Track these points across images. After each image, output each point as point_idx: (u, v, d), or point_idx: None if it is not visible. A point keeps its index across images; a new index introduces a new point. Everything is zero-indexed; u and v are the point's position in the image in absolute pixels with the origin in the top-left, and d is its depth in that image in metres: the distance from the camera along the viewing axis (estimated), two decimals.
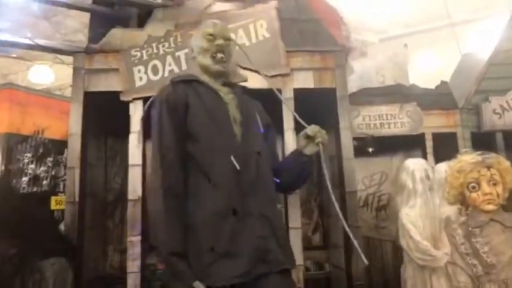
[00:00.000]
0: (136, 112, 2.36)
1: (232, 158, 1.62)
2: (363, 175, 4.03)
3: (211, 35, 1.81)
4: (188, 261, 1.56)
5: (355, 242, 1.69)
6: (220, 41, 1.81)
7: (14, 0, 2.40)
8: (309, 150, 1.78)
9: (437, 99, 3.85)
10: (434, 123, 3.75)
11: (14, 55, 2.43)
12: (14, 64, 7.08)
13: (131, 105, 2.39)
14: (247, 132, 1.74)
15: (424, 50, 5.75)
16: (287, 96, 2.50)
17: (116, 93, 2.40)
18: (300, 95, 2.53)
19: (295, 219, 2.35)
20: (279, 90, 2.46)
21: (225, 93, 1.80)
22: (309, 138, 1.77)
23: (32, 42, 2.33)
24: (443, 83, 4.01)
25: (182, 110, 1.68)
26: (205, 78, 1.82)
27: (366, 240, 3.63)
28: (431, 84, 4.01)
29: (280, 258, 1.63)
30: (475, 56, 4.28)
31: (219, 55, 1.80)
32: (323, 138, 1.76)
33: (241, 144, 1.69)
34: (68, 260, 1.50)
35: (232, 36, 1.96)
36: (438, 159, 3.31)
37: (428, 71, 5.33)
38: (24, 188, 3.74)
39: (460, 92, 3.90)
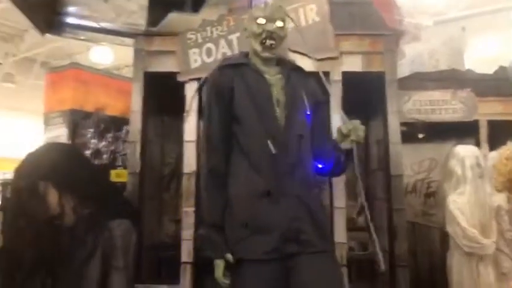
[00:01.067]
0: (191, 92, 2.51)
1: (269, 142, 1.67)
2: (412, 161, 3.98)
3: (261, 18, 1.77)
4: (225, 234, 1.70)
5: (376, 244, 1.70)
6: (270, 26, 1.76)
7: None
8: (344, 145, 1.76)
9: (494, 85, 3.70)
10: (490, 110, 3.62)
11: (82, 37, 2.64)
12: (76, 45, 7.48)
13: (186, 86, 2.53)
14: (291, 115, 1.76)
15: (483, 34, 5.48)
16: (335, 79, 2.54)
17: (173, 74, 2.55)
18: (349, 78, 2.55)
19: (339, 199, 2.41)
20: (327, 74, 2.51)
21: (271, 74, 1.81)
22: (344, 135, 1.75)
23: (97, 25, 2.53)
24: (501, 68, 3.84)
25: (228, 94, 1.75)
26: (254, 60, 1.84)
27: (412, 226, 3.62)
28: (489, 70, 3.86)
29: (313, 240, 1.68)
30: None
31: (269, 42, 1.76)
32: (357, 138, 1.72)
33: (283, 127, 1.73)
34: (132, 222, 1.66)
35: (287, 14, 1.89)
36: (493, 148, 3.21)
37: (486, 55, 5.09)
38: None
39: None
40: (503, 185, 2.00)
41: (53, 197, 1.60)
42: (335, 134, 1.83)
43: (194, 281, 2.31)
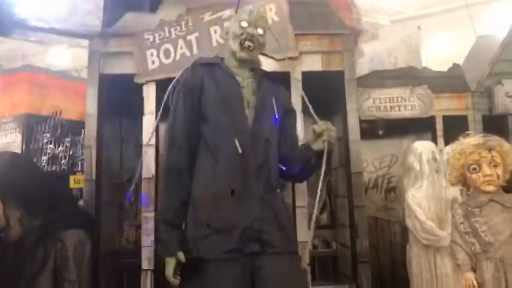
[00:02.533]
0: (149, 94, 2.45)
1: (236, 141, 1.67)
2: (373, 157, 4.06)
3: (244, 21, 1.80)
4: (181, 232, 1.67)
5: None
6: (252, 30, 1.79)
7: None
8: (316, 146, 1.77)
9: (449, 82, 3.83)
10: (445, 106, 3.74)
11: (33, 38, 2.52)
12: (32, 46, 7.21)
13: (144, 88, 2.47)
14: (259, 118, 1.76)
15: (438, 32, 5.67)
16: (296, 78, 2.55)
17: (130, 76, 2.49)
18: (309, 77, 2.57)
19: (301, 198, 2.43)
20: (288, 73, 2.52)
21: (243, 77, 1.82)
22: (317, 134, 1.76)
23: (49, 26, 2.42)
24: (455, 65, 3.98)
25: (197, 92, 1.74)
26: (230, 61, 1.84)
27: (374, 221, 3.69)
28: (445, 67, 3.98)
29: (276, 241, 1.68)
30: (490, 38, 4.21)
31: (247, 43, 1.78)
32: (330, 137, 1.75)
33: (251, 129, 1.73)
34: (87, 232, 1.60)
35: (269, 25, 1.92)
36: (448, 142, 3.31)
37: (441, 53, 5.27)
38: (44, 166, 3.89)
39: (473, 74, 3.87)
40: (457, 179, 2.06)
41: None
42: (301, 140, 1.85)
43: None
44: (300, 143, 1.93)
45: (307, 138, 1.84)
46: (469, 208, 2.02)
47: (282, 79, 2.32)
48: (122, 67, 2.50)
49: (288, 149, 1.86)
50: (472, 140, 1.98)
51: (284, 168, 1.87)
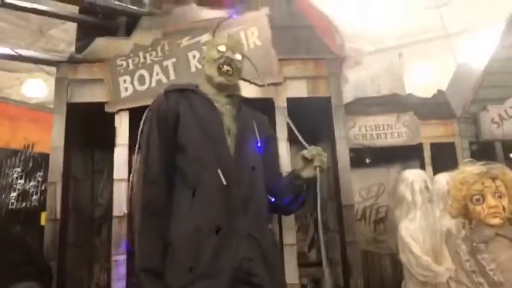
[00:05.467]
0: (122, 124, 2.26)
1: (220, 172, 1.51)
2: (360, 187, 3.94)
3: (222, 45, 1.72)
4: (163, 280, 1.45)
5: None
6: (230, 54, 1.71)
7: None
8: (306, 173, 1.64)
9: (434, 108, 3.80)
10: (431, 133, 3.69)
11: None
12: (7, 78, 7.02)
13: (116, 117, 2.29)
14: (242, 146, 1.63)
15: (420, 60, 5.72)
16: (280, 105, 2.41)
17: (101, 104, 2.30)
18: (294, 104, 2.44)
19: (290, 235, 2.24)
20: (271, 100, 2.38)
21: (222, 104, 1.70)
22: (307, 160, 1.63)
23: (13, 52, 2.24)
24: (440, 92, 3.95)
25: (173, 121, 1.60)
26: (206, 88, 1.73)
27: (364, 254, 3.52)
28: (427, 95, 3.95)
29: (265, 283, 1.51)
30: (471, 65, 4.25)
31: (225, 67, 1.69)
32: (321, 163, 1.62)
33: (234, 157, 1.59)
34: (42, 284, 1.38)
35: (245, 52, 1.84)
36: (437, 170, 3.24)
37: (423, 80, 5.28)
38: (13, 203, 3.65)
39: (457, 101, 3.84)
40: (458, 212, 1.90)
41: None
42: (286, 168, 1.70)
43: None
44: (285, 172, 1.81)
45: (296, 165, 1.68)
46: (474, 244, 1.85)
47: (265, 106, 2.18)
48: (92, 95, 2.32)
49: (274, 178, 1.73)
50: (473, 168, 1.82)
51: (273, 199, 1.71)
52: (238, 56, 1.75)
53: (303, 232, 2.67)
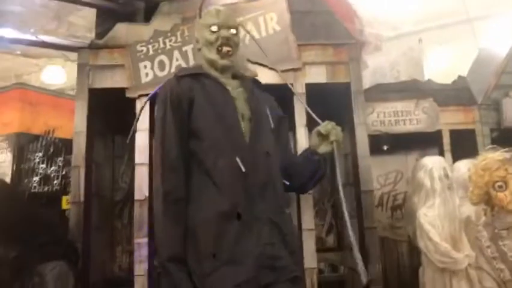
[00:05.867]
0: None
1: (238, 160, 1.50)
2: (378, 173, 3.91)
3: (214, 25, 1.66)
4: (188, 268, 1.47)
5: (358, 258, 1.54)
6: (225, 32, 1.65)
7: None
8: (323, 149, 1.64)
9: (455, 94, 3.72)
10: (451, 119, 3.63)
11: (18, 52, 2.38)
12: (26, 64, 7.12)
13: (137, 102, 2.31)
14: (256, 130, 1.61)
15: (440, 45, 5.59)
16: (299, 92, 2.40)
17: (122, 90, 2.33)
18: (313, 90, 2.43)
19: (308, 221, 2.25)
20: (291, 85, 2.37)
21: (233, 87, 1.66)
22: (323, 136, 1.63)
23: (35, 38, 2.27)
24: (460, 78, 3.87)
25: (187, 107, 1.57)
26: (212, 71, 1.68)
27: (380, 241, 3.52)
28: (447, 80, 3.88)
29: (289, 265, 1.52)
30: (493, 50, 4.14)
31: (225, 48, 1.65)
32: (337, 137, 1.63)
33: (249, 143, 1.57)
34: (70, 263, 1.42)
35: (239, 21, 1.79)
36: (456, 157, 3.19)
37: (444, 66, 5.18)
38: (35, 187, 3.74)
39: (478, 87, 3.76)
40: (479, 198, 1.89)
41: None
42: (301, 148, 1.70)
43: None
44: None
45: (311, 142, 1.69)
46: (496, 230, 1.84)
47: (284, 92, 2.18)
48: (113, 81, 2.34)
49: (288, 159, 1.72)
50: (496, 154, 1.81)
51: (288, 182, 1.70)
52: (233, 31, 1.68)
53: (321, 218, 2.69)
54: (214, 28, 1.65)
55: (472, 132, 3.60)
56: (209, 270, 1.44)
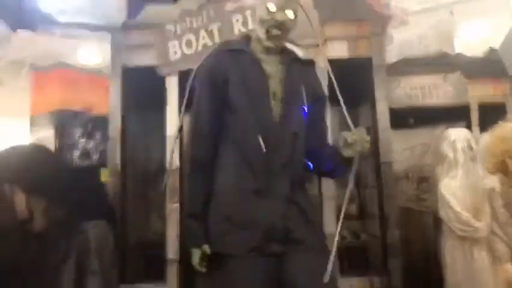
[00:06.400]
0: (172, 85, 2.43)
1: (260, 139, 1.56)
2: (404, 147, 3.92)
3: (272, 4, 1.58)
4: (205, 225, 1.62)
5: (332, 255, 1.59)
6: (280, 16, 1.59)
7: None
8: (346, 152, 1.56)
9: (485, 67, 3.65)
10: (480, 93, 3.58)
11: (57, 33, 2.56)
12: (64, 45, 7.39)
13: (167, 79, 2.46)
14: (286, 110, 1.63)
15: (471, 18, 5.41)
16: (321, 67, 2.47)
17: (153, 68, 2.48)
18: (335, 65, 2.48)
19: (329, 189, 2.36)
20: (311, 60, 2.43)
21: (271, 64, 1.67)
22: (348, 144, 1.56)
23: (71, 20, 2.44)
24: (492, 50, 3.79)
25: (222, 83, 1.62)
26: (255, 46, 1.69)
27: (405, 212, 3.57)
28: (478, 54, 3.80)
29: (305, 238, 1.60)
30: None
31: (275, 31, 1.60)
32: (363, 149, 1.54)
33: (278, 123, 1.61)
34: (109, 224, 1.60)
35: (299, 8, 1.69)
36: (484, 132, 3.17)
37: (475, 39, 5.02)
38: (76, 161, 3.98)
39: (510, 60, 3.68)
40: (495, 167, 1.93)
41: (20, 200, 1.52)
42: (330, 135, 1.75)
43: (181, 279, 2.25)
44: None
45: (338, 143, 1.69)
46: (510, 198, 1.89)
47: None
48: (145, 59, 2.50)
49: (316, 143, 1.73)
50: None
51: (312, 165, 1.73)
52: (290, 14, 1.61)
53: (343, 187, 2.78)
54: (272, 8, 1.60)
55: (501, 106, 3.54)
56: (224, 233, 1.59)
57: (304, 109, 1.69)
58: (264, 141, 1.57)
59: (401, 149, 3.90)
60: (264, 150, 1.56)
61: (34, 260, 1.49)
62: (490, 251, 2.42)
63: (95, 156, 4.10)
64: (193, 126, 1.69)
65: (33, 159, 1.58)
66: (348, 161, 1.60)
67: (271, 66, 1.67)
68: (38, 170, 1.55)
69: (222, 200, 1.64)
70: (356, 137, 1.55)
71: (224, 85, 1.63)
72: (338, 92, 1.71)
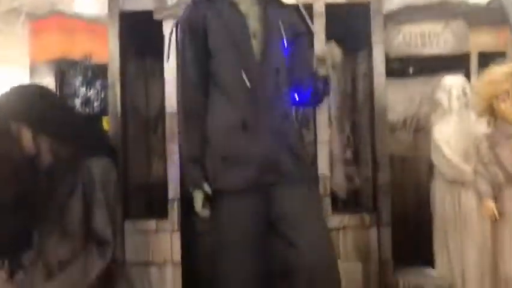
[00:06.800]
0: (169, 30, 2.44)
1: (243, 75, 1.65)
2: (403, 97, 3.95)
3: None
4: (204, 167, 1.73)
5: None
6: None
7: None
8: (321, 72, 1.72)
9: (487, 15, 3.58)
10: (481, 41, 3.55)
11: None
12: None
13: (164, 24, 2.47)
14: (267, 47, 1.72)
15: None
16: (319, 11, 2.47)
17: (150, 13, 2.48)
18: (332, 11, 2.48)
19: (323, 132, 2.43)
20: (310, 6, 2.43)
21: (247, 5, 1.74)
22: (321, 59, 1.71)
23: None
24: None
25: (202, 30, 1.71)
26: None
27: (401, 160, 3.66)
28: (482, 1, 3.73)
29: (292, 170, 1.71)
30: None
31: None
32: (333, 62, 1.69)
33: (259, 60, 1.70)
34: (111, 159, 1.68)
35: None
36: None
37: None
38: (77, 109, 4.03)
39: None
40: (484, 109, 1.99)
41: (27, 137, 1.61)
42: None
43: (182, 216, 2.38)
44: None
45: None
46: (496, 139, 1.97)
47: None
48: (142, 3, 2.49)
49: (300, 75, 1.81)
50: (503, 67, 1.89)
51: (297, 94, 1.85)
52: None
53: (339, 132, 2.88)
54: None
55: (502, 55, 3.51)
56: (220, 170, 1.71)
57: (284, 45, 1.75)
58: (247, 79, 1.66)
59: (401, 98, 3.92)
60: (249, 85, 1.65)
61: (43, 192, 1.60)
62: (476, 194, 2.53)
63: (96, 104, 4.15)
64: (182, 76, 1.81)
65: (38, 98, 1.65)
66: (327, 80, 1.74)
67: (249, 7, 1.74)
68: (43, 108, 1.62)
69: (215, 142, 1.75)
70: (326, 52, 1.70)
71: (204, 33, 1.71)
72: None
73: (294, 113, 1.89)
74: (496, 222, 1.98)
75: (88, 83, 4.06)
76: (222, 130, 1.72)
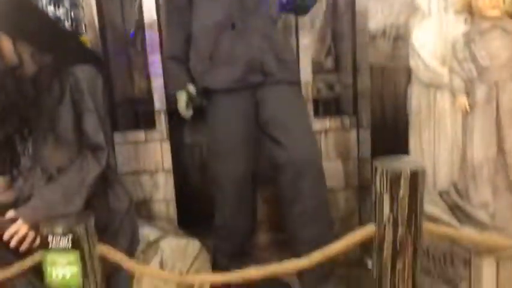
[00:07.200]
0: None
1: None
2: (382, 5, 3.90)
3: None
4: (187, 66, 1.76)
5: None
6: None
7: None
8: None
9: None
10: None
11: None
12: None
13: None
14: None
15: None
16: None
17: None
18: None
19: (305, 38, 2.45)
20: None
21: None
22: None
23: None
24: None
25: None
26: None
27: (380, 69, 3.71)
28: None
29: (276, 71, 1.77)
30: None
31: None
32: None
33: None
34: (96, 68, 1.69)
35: None
36: None
37: None
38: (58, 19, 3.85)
39: None
40: (462, 6, 2.02)
41: (7, 45, 1.59)
42: None
43: (169, 126, 2.44)
44: None
45: None
46: (471, 36, 2.02)
47: None
48: None
49: None
50: None
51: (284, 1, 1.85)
52: None
53: (321, 42, 2.87)
54: None
55: None
56: (206, 69, 1.75)
57: None
58: None
59: (380, 7, 3.87)
60: None
61: (31, 100, 1.62)
62: (451, 93, 2.63)
63: (67, 23, 3.98)
64: None
65: (15, 5, 1.60)
66: None
67: None
68: (21, 17, 1.59)
69: (200, 40, 1.76)
70: None
71: None
72: None
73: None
74: (467, 114, 2.09)
75: (56, 1, 3.86)
76: (208, 29, 1.74)
